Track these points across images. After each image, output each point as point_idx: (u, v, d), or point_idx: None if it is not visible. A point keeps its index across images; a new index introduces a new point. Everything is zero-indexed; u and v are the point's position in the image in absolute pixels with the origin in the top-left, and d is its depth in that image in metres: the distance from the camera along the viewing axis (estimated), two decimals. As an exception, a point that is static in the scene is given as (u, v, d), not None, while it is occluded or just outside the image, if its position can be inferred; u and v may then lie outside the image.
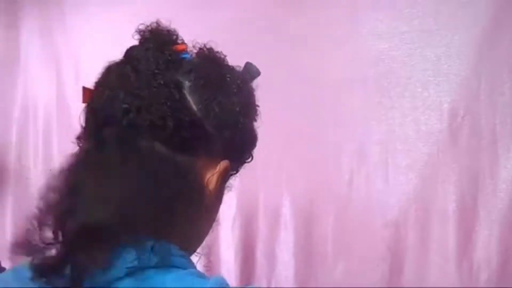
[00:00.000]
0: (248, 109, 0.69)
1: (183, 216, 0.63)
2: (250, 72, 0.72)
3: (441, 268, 1.47)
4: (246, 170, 1.81)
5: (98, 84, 0.64)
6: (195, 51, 0.68)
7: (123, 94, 0.60)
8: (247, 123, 0.68)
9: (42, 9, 2.05)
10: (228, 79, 0.66)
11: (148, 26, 0.66)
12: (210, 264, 1.61)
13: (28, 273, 0.62)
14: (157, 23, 0.67)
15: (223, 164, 0.65)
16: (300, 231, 1.60)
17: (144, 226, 0.58)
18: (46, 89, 2.10)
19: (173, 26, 0.68)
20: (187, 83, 0.63)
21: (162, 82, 0.61)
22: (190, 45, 0.68)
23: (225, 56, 0.69)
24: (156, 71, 0.61)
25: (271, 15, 1.62)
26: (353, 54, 1.57)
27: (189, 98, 0.62)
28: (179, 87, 0.62)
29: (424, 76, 1.51)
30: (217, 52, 0.69)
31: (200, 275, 0.60)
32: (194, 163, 0.63)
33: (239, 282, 1.64)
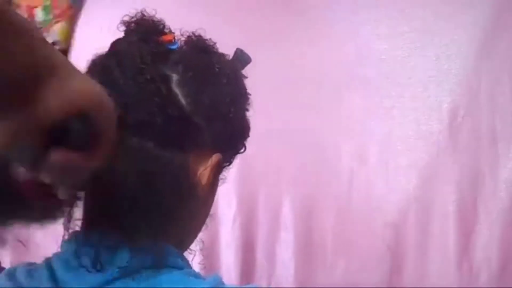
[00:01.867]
0: (239, 99, 0.67)
1: (177, 214, 0.61)
2: (241, 59, 0.69)
3: (441, 268, 1.47)
4: (246, 170, 1.82)
5: None
6: (183, 38, 0.65)
7: (109, 92, 0.57)
8: (238, 114, 0.66)
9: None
10: (217, 69, 0.64)
11: (133, 17, 0.64)
12: (206, 261, 1.61)
13: (21, 275, 0.62)
14: (142, 13, 0.64)
15: (215, 157, 0.63)
16: (300, 231, 1.60)
17: (138, 227, 0.57)
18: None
19: (175, 23, 0.66)
20: (174, 76, 0.60)
21: (148, 77, 0.58)
22: (177, 33, 0.65)
23: (214, 43, 0.67)
24: (142, 65, 0.59)
25: (271, 15, 1.62)
26: (353, 54, 1.57)
27: (177, 91, 0.60)
28: (166, 81, 0.60)
29: (424, 76, 1.51)
30: (206, 39, 0.67)
31: (196, 275, 0.60)
32: (185, 158, 0.61)
33: (239, 282, 1.64)
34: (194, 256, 0.67)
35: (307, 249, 1.60)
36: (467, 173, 1.46)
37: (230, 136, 0.66)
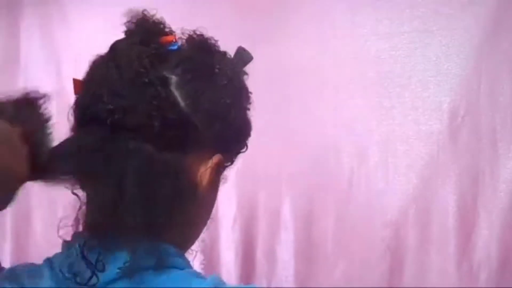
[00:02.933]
0: (239, 100, 0.67)
1: (177, 215, 0.62)
2: (242, 57, 0.69)
3: (441, 268, 1.47)
4: (246, 170, 1.83)
5: (85, 79, 0.63)
6: (184, 37, 0.66)
7: (107, 94, 0.59)
8: (238, 115, 0.66)
9: (42, 7, 2.05)
10: (217, 70, 0.64)
11: (133, 17, 0.64)
12: (206, 262, 1.61)
13: (23, 275, 0.62)
14: (143, 13, 0.64)
15: (216, 158, 0.63)
16: (300, 231, 1.60)
17: (137, 228, 0.58)
18: (46, 88, 2.09)
19: (174, 22, 0.66)
20: (174, 78, 0.61)
21: (147, 80, 0.59)
22: (179, 32, 0.66)
23: (216, 41, 0.67)
24: (141, 69, 0.59)
25: (270, 14, 1.62)
26: (353, 54, 1.57)
27: (176, 94, 0.60)
28: (165, 83, 0.60)
29: (424, 76, 1.51)
30: (208, 38, 0.67)
31: (197, 275, 0.60)
32: (185, 160, 0.61)
33: (239, 282, 1.64)
34: (195, 256, 0.67)
35: (307, 249, 1.60)
36: (467, 173, 1.46)
37: (231, 136, 0.66)
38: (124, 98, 0.58)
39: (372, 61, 1.55)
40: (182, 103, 0.60)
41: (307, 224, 1.60)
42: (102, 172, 0.59)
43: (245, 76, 0.69)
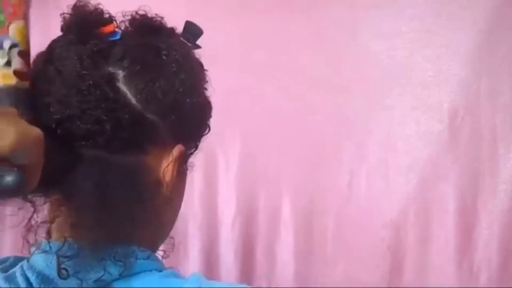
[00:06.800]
0: (192, 83, 0.63)
1: (144, 216, 0.59)
2: (192, 33, 0.65)
3: (441, 268, 1.47)
4: (246, 170, 1.82)
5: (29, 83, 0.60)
6: (128, 18, 0.63)
7: (53, 104, 0.56)
8: (194, 100, 0.62)
9: (42, 8, 2.05)
10: (165, 56, 0.61)
11: (68, 7, 0.61)
12: (206, 262, 1.61)
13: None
14: (77, 4, 0.61)
15: (176, 150, 0.61)
16: (300, 231, 1.60)
17: (102, 237, 0.55)
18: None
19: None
20: (121, 73, 0.58)
21: (91, 82, 0.56)
22: (119, 16, 0.63)
23: (161, 18, 0.64)
24: (83, 71, 0.56)
25: (270, 14, 1.62)
26: (353, 54, 1.57)
27: (125, 90, 0.57)
28: (112, 81, 0.57)
29: (424, 76, 1.51)
30: (151, 18, 0.64)
31: (175, 275, 0.58)
32: (144, 159, 0.59)
33: (239, 282, 1.64)
34: (164, 254, 0.65)
35: (307, 249, 1.59)
36: (467, 173, 1.46)
37: (190, 123, 0.63)
38: (70, 106, 0.56)
39: (372, 61, 1.55)
40: (133, 100, 0.57)
41: (307, 224, 1.59)
42: (58, 183, 0.56)
43: (198, 49, 0.65)
